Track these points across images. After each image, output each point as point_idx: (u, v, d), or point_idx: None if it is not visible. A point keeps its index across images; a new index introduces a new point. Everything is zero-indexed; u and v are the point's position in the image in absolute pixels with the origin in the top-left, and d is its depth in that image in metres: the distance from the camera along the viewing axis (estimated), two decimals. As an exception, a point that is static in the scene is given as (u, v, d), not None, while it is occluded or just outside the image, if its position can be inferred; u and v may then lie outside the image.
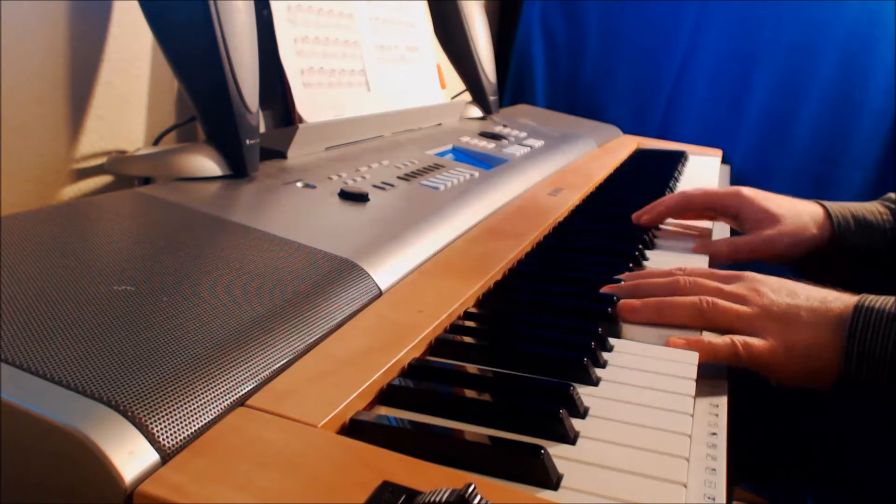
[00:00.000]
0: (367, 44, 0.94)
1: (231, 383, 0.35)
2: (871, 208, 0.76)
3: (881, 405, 0.61)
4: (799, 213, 0.74)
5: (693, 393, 0.43)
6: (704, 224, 0.83)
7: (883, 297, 0.52)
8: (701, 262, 0.71)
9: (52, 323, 0.36)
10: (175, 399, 0.32)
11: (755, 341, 0.51)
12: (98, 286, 0.41)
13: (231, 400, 0.34)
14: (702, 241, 0.75)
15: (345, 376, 0.38)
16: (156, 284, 0.42)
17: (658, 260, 0.70)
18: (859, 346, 0.50)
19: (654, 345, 0.50)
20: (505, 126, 1.19)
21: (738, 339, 0.51)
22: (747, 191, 0.77)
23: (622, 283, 0.59)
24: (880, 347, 0.49)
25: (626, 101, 1.61)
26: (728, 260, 0.74)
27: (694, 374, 0.46)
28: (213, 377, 0.35)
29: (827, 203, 0.76)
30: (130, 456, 0.29)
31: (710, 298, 0.54)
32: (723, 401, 0.46)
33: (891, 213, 0.75)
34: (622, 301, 0.55)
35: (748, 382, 0.62)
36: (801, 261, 0.76)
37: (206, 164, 0.65)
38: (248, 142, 0.66)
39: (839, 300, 0.53)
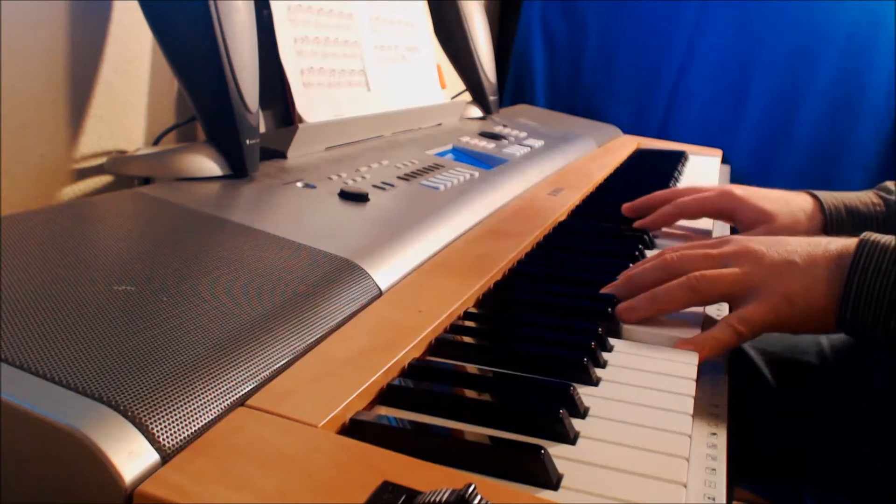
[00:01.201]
0: (367, 44, 0.94)
1: (231, 383, 0.35)
2: (865, 199, 0.76)
3: (881, 402, 0.61)
4: (791, 208, 0.75)
5: (693, 393, 0.43)
6: (704, 226, 0.83)
7: (888, 236, 0.50)
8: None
9: (52, 323, 0.36)
10: (175, 399, 0.32)
11: (749, 311, 0.50)
12: (98, 286, 0.41)
13: (231, 400, 0.34)
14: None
15: (345, 376, 0.38)
16: (156, 284, 0.42)
17: (658, 260, 0.70)
18: (858, 283, 0.48)
19: (654, 345, 0.50)
20: (505, 126, 1.19)
21: (733, 319, 0.50)
22: (738, 190, 0.77)
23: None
24: (880, 285, 0.48)
25: (626, 101, 1.61)
26: None
27: (694, 374, 0.46)
28: (213, 377, 0.35)
29: (819, 193, 0.76)
30: (130, 456, 0.29)
31: (698, 273, 0.53)
32: (723, 401, 0.46)
33: (884, 203, 0.76)
34: (619, 305, 0.54)
35: (748, 382, 0.62)
36: None
37: (206, 164, 0.65)
38: (248, 142, 0.66)
39: (837, 241, 0.52)
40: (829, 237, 0.53)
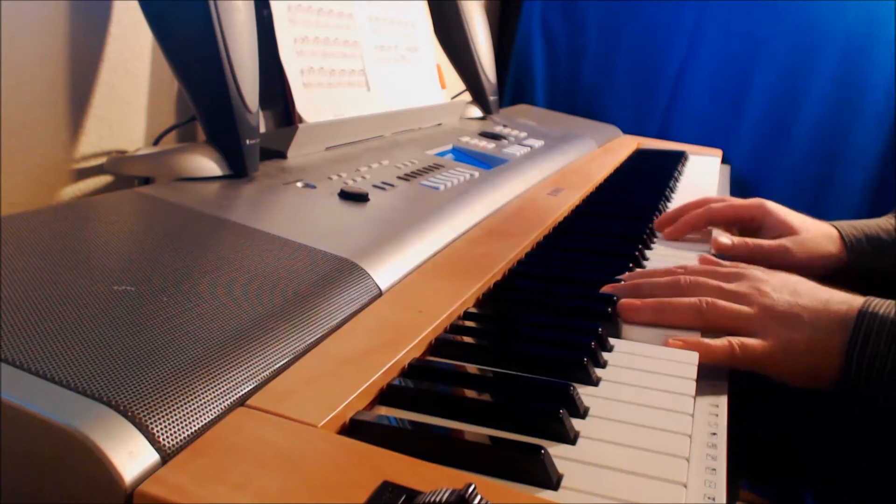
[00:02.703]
0: (367, 44, 0.94)
1: (231, 383, 0.35)
2: (885, 225, 0.76)
3: (880, 403, 0.61)
4: (817, 231, 0.75)
5: (693, 393, 0.43)
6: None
7: (889, 302, 0.51)
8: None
9: (52, 323, 0.36)
10: (175, 399, 0.32)
11: (752, 342, 0.51)
12: (98, 286, 0.41)
13: (231, 400, 0.34)
14: (715, 239, 0.74)
15: (345, 376, 0.38)
16: (156, 284, 0.42)
17: (658, 260, 0.70)
18: (860, 352, 0.49)
19: (654, 345, 0.50)
20: (505, 126, 1.19)
21: (735, 340, 0.51)
22: (770, 203, 0.77)
23: (622, 282, 0.59)
24: (880, 358, 0.49)
25: (626, 101, 1.61)
26: (738, 259, 0.73)
27: (694, 374, 0.46)
28: (213, 377, 0.35)
29: (838, 224, 0.76)
30: (130, 456, 0.29)
31: (709, 299, 0.54)
32: (723, 401, 0.46)
33: None
34: (622, 301, 0.55)
35: (748, 382, 0.62)
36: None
37: (206, 164, 0.65)
38: (248, 142, 0.66)
39: (844, 302, 0.52)
40: (839, 293, 0.54)
